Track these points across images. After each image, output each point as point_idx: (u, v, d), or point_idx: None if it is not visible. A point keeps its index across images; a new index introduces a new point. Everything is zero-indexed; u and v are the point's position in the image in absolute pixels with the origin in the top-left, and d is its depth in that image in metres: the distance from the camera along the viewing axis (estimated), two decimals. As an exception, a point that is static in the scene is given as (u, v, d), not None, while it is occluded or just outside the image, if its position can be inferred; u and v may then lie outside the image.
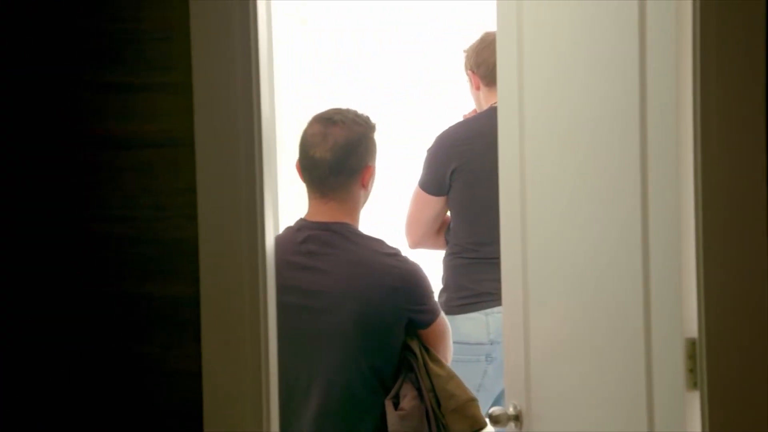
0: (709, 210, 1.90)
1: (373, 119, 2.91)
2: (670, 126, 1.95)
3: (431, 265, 3.46)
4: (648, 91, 2.01)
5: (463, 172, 3.56)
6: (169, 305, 1.96)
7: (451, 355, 2.93)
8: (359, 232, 2.87)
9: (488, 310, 3.53)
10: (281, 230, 2.93)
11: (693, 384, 1.93)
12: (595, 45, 2.20)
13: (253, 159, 1.98)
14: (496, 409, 2.56)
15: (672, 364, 1.97)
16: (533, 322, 2.46)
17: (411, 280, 2.82)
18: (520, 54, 2.47)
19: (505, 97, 2.54)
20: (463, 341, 3.46)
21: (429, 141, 3.71)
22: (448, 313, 3.36)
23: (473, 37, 3.81)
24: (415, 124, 5.10)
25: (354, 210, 2.87)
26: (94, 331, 1.95)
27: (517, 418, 2.51)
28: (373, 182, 2.91)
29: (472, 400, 2.78)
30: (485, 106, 3.67)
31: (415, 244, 3.67)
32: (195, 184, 1.95)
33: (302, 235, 2.84)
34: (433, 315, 2.86)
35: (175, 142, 1.94)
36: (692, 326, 1.92)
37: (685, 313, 1.93)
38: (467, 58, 3.75)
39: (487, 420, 2.68)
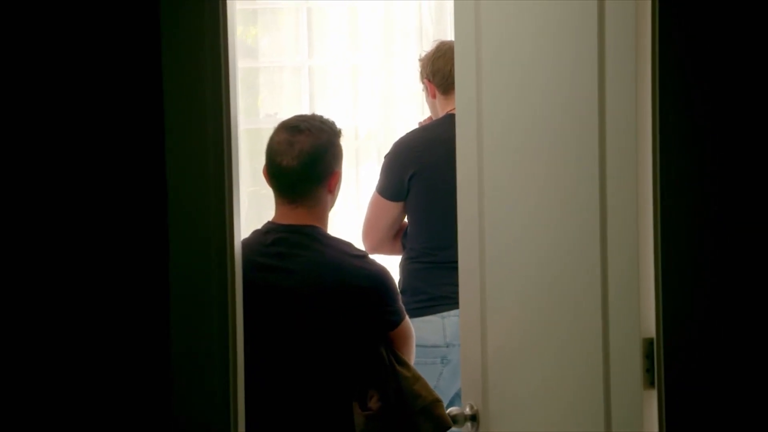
0: (667, 211, 1.95)
1: (338, 125, 2.95)
2: (629, 127, 2.00)
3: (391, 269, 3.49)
4: (607, 92, 2.06)
5: (421, 177, 3.61)
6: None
7: (413, 357, 2.97)
8: (328, 234, 2.91)
9: (444, 314, 3.58)
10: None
11: (650, 383, 1.99)
12: (555, 47, 2.25)
13: (222, 162, 2.03)
14: (453, 409, 2.62)
15: (629, 364, 2.02)
16: (491, 322, 2.50)
17: (380, 281, 2.87)
18: (479, 57, 2.50)
19: (463, 102, 2.58)
20: (419, 344, 3.49)
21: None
22: (403, 316, 3.40)
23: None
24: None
25: (322, 214, 2.91)
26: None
27: (474, 418, 2.54)
28: (339, 187, 2.95)
29: (438, 401, 2.82)
30: (441, 114, 3.73)
31: (372, 250, 3.71)
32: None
33: (271, 237, 2.88)
34: (399, 317, 2.91)
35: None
36: (650, 326, 1.98)
37: (642, 313, 1.98)
38: (423, 67, 3.81)
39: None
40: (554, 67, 2.25)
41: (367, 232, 3.75)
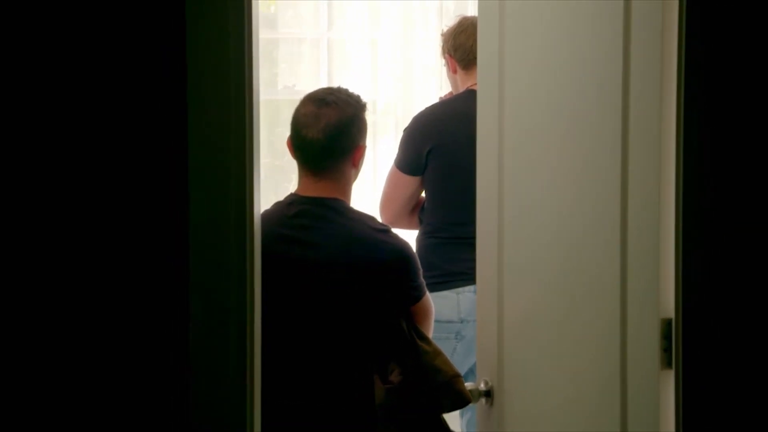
0: (689, 190, 1.95)
1: (363, 98, 2.95)
2: (652, 106, 1.99)
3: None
4: (631, 71, 2.06)
5: (440, 152, 3.60)
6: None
7: (432, 332, 2.98)
8: (351, 207, 2.91)
9: (459, 289, 3.58)
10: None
11: (667, 363, 1.99)
12: (579, 27, 2.25)
13: (244, 135, 2.03)
14: (468, 385, 2.62)
15: (647, 343, 2.02)
16: (507, 299, 2.50)
17: (404, 256, 2.87)
18: (502, 36, 2.50)
19: (484, 77, 2.57)
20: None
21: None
22: (419, 291, 3.40)
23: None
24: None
25: (346, 188, 2.91)
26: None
27: (488, 393, 2.55)
28: (363, 161, 2.96)
29: (458, 377, 2.82)
30: (462, 89, 3.73)
31: (389, 224, 3.68)
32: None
33: (294, 209, 2.88)
34: (421, 292, 2.91)
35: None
36: (668, 306, 1.98)
37: (661, 293, 1.99)
38: (444, 42, 3.81)
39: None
40: (579, 43, 2.25)
41: (385, 206, 3.75)
